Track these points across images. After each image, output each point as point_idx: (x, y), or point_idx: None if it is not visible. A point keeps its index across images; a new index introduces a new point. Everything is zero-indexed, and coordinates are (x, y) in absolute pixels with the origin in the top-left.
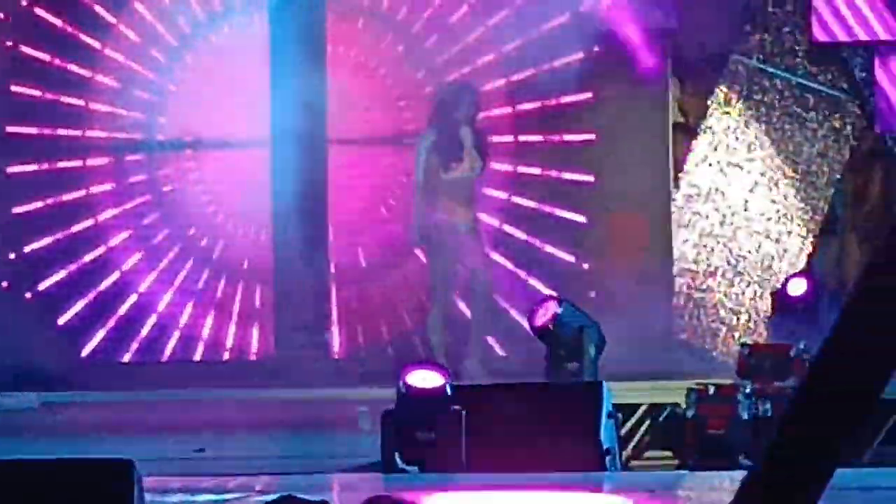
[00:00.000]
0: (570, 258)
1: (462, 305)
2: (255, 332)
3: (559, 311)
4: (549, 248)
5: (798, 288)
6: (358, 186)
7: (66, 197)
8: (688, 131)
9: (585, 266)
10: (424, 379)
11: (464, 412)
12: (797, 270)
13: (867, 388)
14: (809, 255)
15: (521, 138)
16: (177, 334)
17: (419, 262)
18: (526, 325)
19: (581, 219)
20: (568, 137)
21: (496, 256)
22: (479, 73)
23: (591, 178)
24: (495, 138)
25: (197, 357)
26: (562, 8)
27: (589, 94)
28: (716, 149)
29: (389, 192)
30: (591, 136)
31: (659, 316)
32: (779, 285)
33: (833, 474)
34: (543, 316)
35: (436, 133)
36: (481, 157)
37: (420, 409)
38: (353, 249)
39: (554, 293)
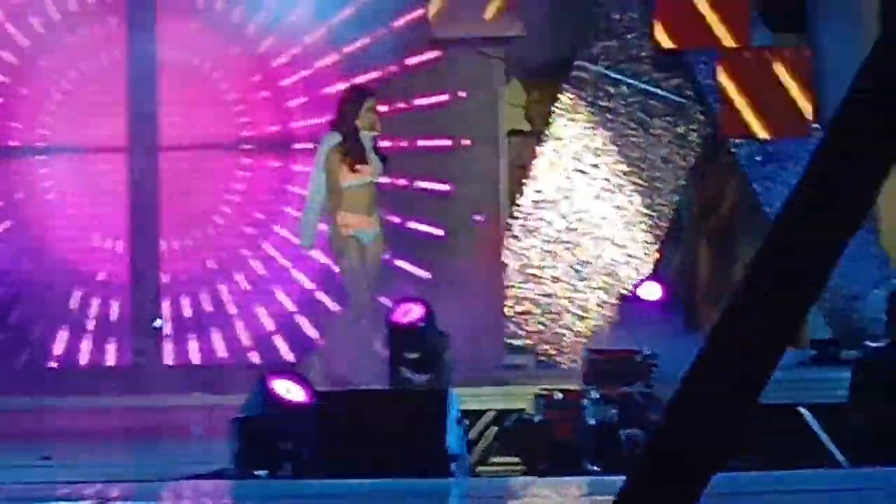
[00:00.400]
0: (415, 269)
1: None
2: (108, 341)
3: (424, 313)
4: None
5: (652, 293)
6: (193, 193)
7: None
8: (534, 137)
9: (427, 274)
10: (288, 390)
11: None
12: (648, 275)
13: (746, 393)
14: (656, 262)
15: None
16: (31, 342)
17: (255, 273)
18: None
19: (431, 230)
20: (423, 143)
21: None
22: (318, 76)
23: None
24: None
25: (51, 365)
26: (404, 7)
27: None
28: (562, 155)
29: (223, 200)
30: (447, 142)
31: (503, 321)
32: (624, 291)
33: (712, 476)
34: (409, 315)
35: (340, 136)
36: (381, 161)
37: (283, 418)
38: (185, 258)
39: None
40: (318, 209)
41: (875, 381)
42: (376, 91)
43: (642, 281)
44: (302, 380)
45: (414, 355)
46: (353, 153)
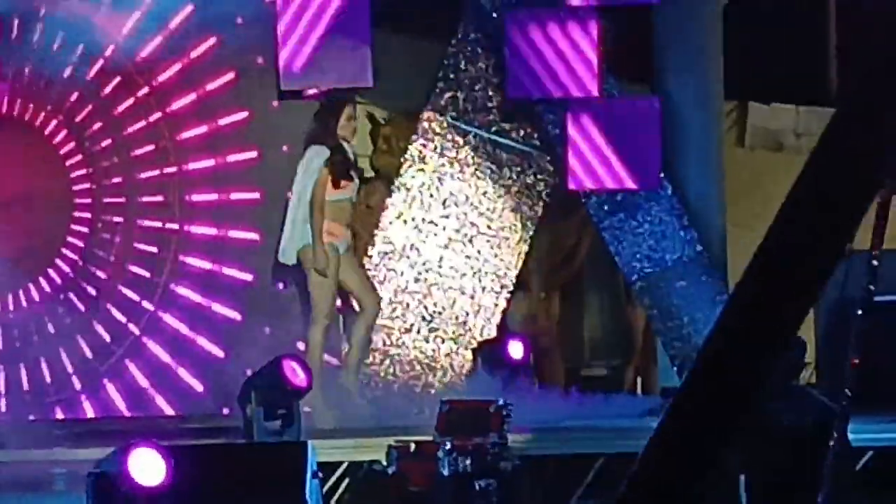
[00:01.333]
0: (237, 316)
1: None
2: None
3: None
4: (216, 307)
5: (517, 351)
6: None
7: None
8: (383, 188)
9: (267, 329)
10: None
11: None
12: (511, 332)
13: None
14: (504, 311)
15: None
16: None
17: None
18: None
19: (249, 277)
20: (235, 196)
21: (168, 318)
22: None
23: (256, 237)
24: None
25: None
26: (231, 63)
27: (254, 153)
28: (410, 205)
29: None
30: (256, 195)
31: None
32: (475, 341)
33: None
34: (294, 376)
35: (328, 150)
36: (358, 176)
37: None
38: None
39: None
40: (301, 223)
41: None
42: (352, 97)
43: (508, 338)
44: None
45: (282, 411)
46: (340, 168)
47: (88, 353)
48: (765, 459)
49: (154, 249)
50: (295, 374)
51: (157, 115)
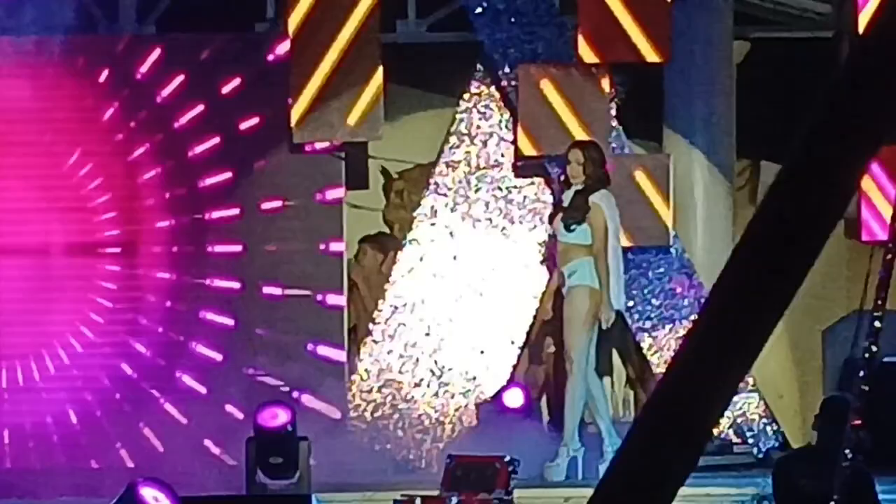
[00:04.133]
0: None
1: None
2: None
3: (290, 417)
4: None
5: (514, 399)
6: None
7: None
8: (393, 243)
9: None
10: (156, 498)
11: None
12: (509, 381)
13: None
14: (514, 366)
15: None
16: None
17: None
18: None
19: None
20: (219, 248)
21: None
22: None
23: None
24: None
25: None
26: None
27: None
28: (422, 259)
29: None
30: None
31: (365, 427)
32: (484, 396)
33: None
34: (275, 420)
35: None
36: None
37: None
38: None
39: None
40: None
41: None
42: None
43: (505, 387)
44: (167, 488)
45: (278, 460)
46: None
47: None
48: None
49: None
50: (275, 418)
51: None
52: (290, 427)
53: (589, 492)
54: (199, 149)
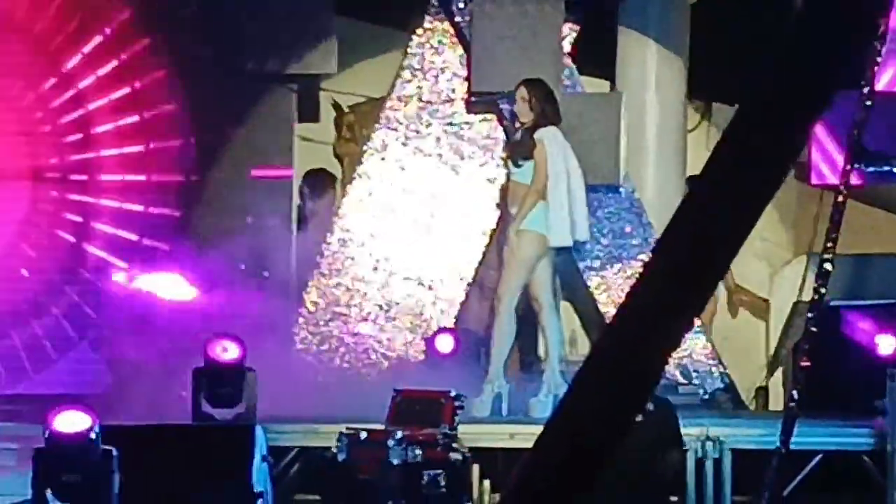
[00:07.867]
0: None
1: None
2: None
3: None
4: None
5: (445, 345)
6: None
7: None
8: (343, 177)
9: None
10: (72, 422)
11: (115, 453)
12: (444, 326)
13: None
14: (462, 303)
15: (128, 178)
16: None
17: (70, 299)
18: None
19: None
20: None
21: None
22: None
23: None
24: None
25: None
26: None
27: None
28: (371, 194)
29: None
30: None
31: (309, 359)
32: (431, 332)
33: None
34: (226, 353)
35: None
36: None
37: (66, 451)
38: None
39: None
40: None
41: None
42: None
43: (436, 333)
44: (87, 409)
45: (223, 391)
46: None
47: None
48: None
49: None
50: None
51: None
52: (241, 361)
53: (527, 428)
54: (146, 78)
